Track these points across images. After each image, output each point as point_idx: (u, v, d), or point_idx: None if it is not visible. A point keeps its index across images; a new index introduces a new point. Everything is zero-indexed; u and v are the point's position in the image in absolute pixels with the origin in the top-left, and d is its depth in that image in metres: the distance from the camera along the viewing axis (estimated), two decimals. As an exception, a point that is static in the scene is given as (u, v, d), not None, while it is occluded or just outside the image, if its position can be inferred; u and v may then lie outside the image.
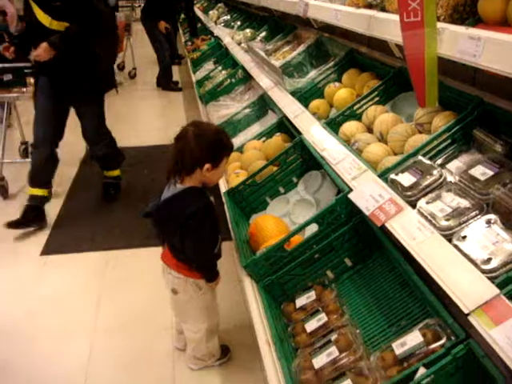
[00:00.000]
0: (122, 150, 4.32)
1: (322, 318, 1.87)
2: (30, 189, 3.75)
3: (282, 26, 5.03)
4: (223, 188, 2.96)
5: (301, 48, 4.11)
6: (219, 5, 8.64)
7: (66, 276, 3.19)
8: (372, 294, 1.99)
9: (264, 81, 3.83)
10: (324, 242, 2.10)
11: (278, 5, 4.24)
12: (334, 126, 2.63)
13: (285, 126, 3.34)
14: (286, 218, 2.59)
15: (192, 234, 2.03)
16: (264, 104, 4.18)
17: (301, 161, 2.78)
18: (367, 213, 1.80)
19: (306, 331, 1.88)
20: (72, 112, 3.94)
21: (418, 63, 1.84)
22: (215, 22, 7.67)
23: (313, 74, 3.56)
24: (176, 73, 8.62)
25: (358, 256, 2.13)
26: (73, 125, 4.56)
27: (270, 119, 3.90)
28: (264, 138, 3.44)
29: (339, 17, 2.64)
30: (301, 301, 2.04)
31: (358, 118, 2.65)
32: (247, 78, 4.95)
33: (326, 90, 3.19)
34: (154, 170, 4.29)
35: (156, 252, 2.32)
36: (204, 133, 2.01)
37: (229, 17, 7.54)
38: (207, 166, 1.99)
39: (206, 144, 1.99)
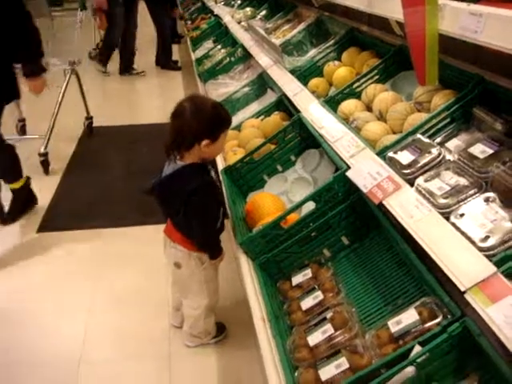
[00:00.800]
0: (122, 128, 4.28)
1: (317, 296, 1.86)
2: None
3: (282, 5, 4.97)
4: (220, 165, 2.94)
5: (301, 26, 4.07)
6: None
7: (62, 253, 3.18)
8: (368, 273, 1.98)
9: (263, 59, 3.79)
10: (321, 220, 2.08)
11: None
12: (332, 104, 2.61)
13: (283, 105, 3.30)
14: (284, 197, 2.58)
15: (194, 211, 2.02)
16: (263, 83, 4.14)
17: (299, 139, 2.75)
18: (365, 190, 1.79)
19: (301, 309, 1.88)
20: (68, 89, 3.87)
21: (418, 40, 1.81)
22: (215, 1, 7.57)
23: (312, 52, 3.53)
24: (176, 52, 8.53)
25: (355, 234, 2.11)
26: (70, 101, 4.55)
27: (269, 98, 3.87)
28: (262, 117, 3.41)
29: (340, -6, 2.61)
30: (297, 279, 2.02)
31: (358, 96, 2.62)
32: (246, 56, 4.90)
33: (326, 69, 3.15)
34: (153, 147, 4.15)
35: (154, 230, 2.33)
36: (201, 108, 1.98)
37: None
38: (206, 141, 1.96)
39: (204, 119, 1.96)
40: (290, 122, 2.73)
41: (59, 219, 3.51)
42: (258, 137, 3.00)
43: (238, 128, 3.39)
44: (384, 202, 1.69)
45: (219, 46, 5.64)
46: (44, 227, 3.43)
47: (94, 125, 5.05)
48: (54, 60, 4.29)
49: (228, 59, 4.99)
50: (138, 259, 3.09)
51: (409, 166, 1.77)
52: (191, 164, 2.02)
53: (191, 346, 2.48)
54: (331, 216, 2.08)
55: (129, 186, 3.86)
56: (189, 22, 8.09)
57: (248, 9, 5.59)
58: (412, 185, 1.70)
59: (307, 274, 2.01)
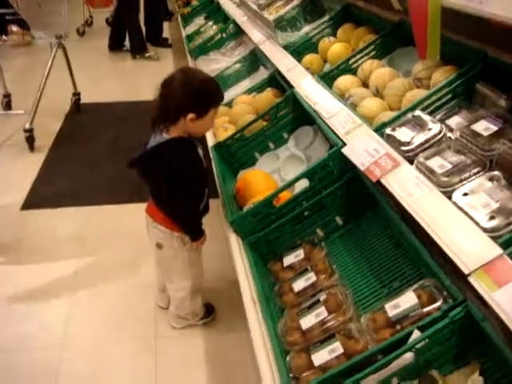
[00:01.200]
0: (110, 104, 4.15)
1: (310, 278, 1.79)
2: None
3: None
4: (210, 142, 2.84)
5: (294, 2, 3.94)
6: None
7: (46, 231, 3.08)
8: (363, 254, 1.91)
9: (256, 35, 3.68)
10: (314, 198, 2.00)
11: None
12: (327, 80, 2.52)
13: (276, 81, 3.20)
14: (276, 175, 2.49)
15: (176, 188, 1.92)
16: (255, 59, 4.03)
17: (292, 116, 2.66)
18: (362, 168, 1.71)
19: (293, 291, 1.80)
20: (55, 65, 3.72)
21: (420, 12, 1.74)
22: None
23: (307, 29, 3.42)
24: (166, 30, 8.35)
25: (350, 214, 2.04)
26: (57, 77, 4.41)
27: (261, 75, 3.76)
28: (254, 93, 3.31)
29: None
30: (289, 259, 1.95)
31: (353, 72, 2.54)
32: (238, 32, 4.78)
33: (320, 45, 3.06)
34: (142, 125, 4.03)
35: (140, 208, 2.22)
36: (191, 80, 1.87)
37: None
38: (191, 115, 1.85)
39: (191, 91, 1.85)
40: (282, 98, 2.64)
41: (43, 197, 3.40)
42: (249, 113, 2.91)
43: (229, 104, 3.29)
44: (382, 180, 1.62)
45: (211, 23, 5.50)
46: (28, 205, 3.32)
47: (82, 101, 4.91)
48: (40, 33, 4.14)
49: (220, 35, 4.86)
50: (124, 238, 3.00)
51: (408, 143, 1.69)
52: (177, 138, 1.91)
53: (178, 327, 2.40)
54: (325, 195, 2.00)
55: (116, 163, 3.74)
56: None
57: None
58: (411, 162, 1.62)
59: (299, 254, 1.93)
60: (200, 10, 6.30)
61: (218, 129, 2.94)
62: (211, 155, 2.67)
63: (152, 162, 1.97)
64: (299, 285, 1.79)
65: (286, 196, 2.08)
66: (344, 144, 1.91)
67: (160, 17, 7.89)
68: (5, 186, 3.56)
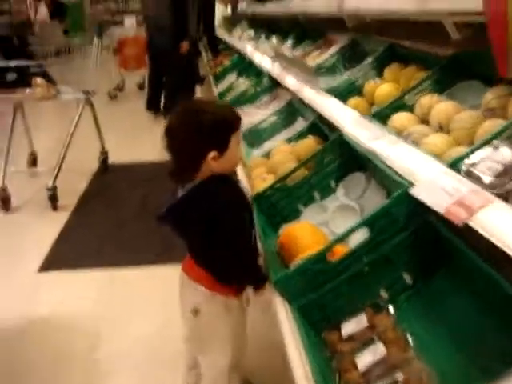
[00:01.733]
0: (141, 165, 3.92)
1: (378, 350, 1.41)
2: None
3: (309, 34, 4.65)
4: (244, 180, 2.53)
5: (333, 49, 3.72)
6: (242, 22, 8.35)
7: (64, 295, 2.77)
8: (440, 322, 1.53)
9: (293, 83, 3.42)
10: (376, 252, 1.64)
11: (309, 7, 3.88)
12: (379, 120, 2.22)
13: (317, 129, 2.92)
14: (324, 228, 2.15)
15: (226, 232, 1.60)
16: (293, 111, 3.78)
17: (339, 162, 2.34)
18: (441, 210, 1.36)
19: (356, 367, 1.42)
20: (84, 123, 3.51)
21: (499, 24, 1.46)
22: (239, 39, 7.36)
23: (348, 74, 3.16)
24: (198, 93, 8.28)
25: (420, 271, 1.66)
26: (85, 135, 4.24)
27: (300, 127, 3.48)
28: (294, 143, 3.02)
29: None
30: (348, 327, 1.58)
31: (408, 110, 2.23)
32: (273, 86, 4.57)
33: (366, 88, 2.78)
34: (171, 185, 3.82)
35: (169, 271, 1.89)
36: (197, 115, 1.58)
37: (252, 32, 7.21)
38: (212, 154, 1.55)
39: (203, 130, 1.55)
40: (328, 142, 2.34)
41: (64, 258, 3.11)
42: (290, 161, 2.60)
43: (267, 156, 3.01)
44: (470, 222, 1.26)
45: (243, 79, 5.33)
46: (46, 267, 3.03)
47: (111, 161, 4.71)
48: (67, 88, 3.98)
49: (253, 89, 4.66)
50: (152, 304, 2.65)
51: (498, 176, 1.35)
52: (211, 176, 1.60)
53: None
54: (389, 247, 1.64)
55: (144, 222, 3.45)
56: (211, 61, 7.88)
57: (274, 40, 5.30)
58: (506, 199, 1.28)
59: (361, 321, 1.56)
60: (231, 68, 6.18)
61: (255, 179, 2.64)
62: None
63: (186, 210, 1.63)
64: (365, 359, 1.42)
65: (340, 251, 1.74)
66: (411, 184, 1.58)
67: (193, 80, 7.82)
68: (22, 246, 3.29)
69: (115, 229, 3.43)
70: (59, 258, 3.12)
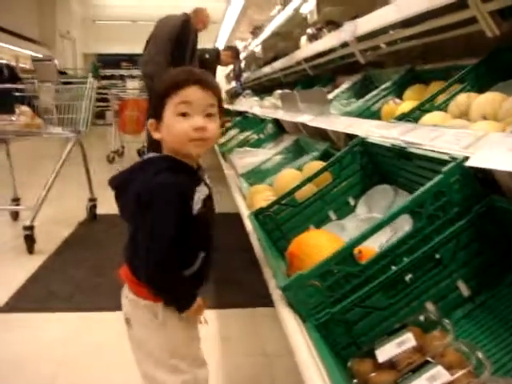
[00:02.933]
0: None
1: (439, 376, 0.96)
2: None
3: (317, 82, 4.40)
4: (244, 210, 2.11)
5: (344, 85, 3.45)
6: (246, 92, 8.22)
7: (27, 336, 2.28)
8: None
9: (303, 117, 3.08)
10: (422, 249, 1.21)
11: (318, 46, 3.64)
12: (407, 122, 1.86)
13: (330, 157, 2.54)
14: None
15: (150, 216, 1.24)
16: (299, 149, 3.42)
17: (361, 173, 1.95)
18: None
19: (405, 401, 0.97)
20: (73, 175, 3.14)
21: None
22: (241, 105, 7.17)
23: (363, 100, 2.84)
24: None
25: (483, 275, 1.23)
26: (74, 187, 3.87)
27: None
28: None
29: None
30: (386, 351, 1.12)
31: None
32: (278, 133, 4.25)
33: (385, 108, 2.48)
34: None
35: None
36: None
37: (256, 98, 7.00)
38: (150, 121, 1.33)
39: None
40: (347, 149, 1.94)
41: (31, 299, 2.65)
42: (299, 179, 2.20)
43: (271, 185, 2.62)
44: None
45: (245, 132, 5.02)
46: (9, 308, 2.56)
47: (101, 212, 4.28)
48: (57, 129, 3.64)
49: (256, 136, 4.32)
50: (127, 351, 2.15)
51: None
52: (164, 155, 1.33)
53: None
54: (440, 242, 1.21)
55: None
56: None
57: (279, 91, 5.06)
58: None
59: (406, 341, 1.11)
60: (233, 126, 5.88)
61: (258, 202, 2.23)
62: (248, 228, 1.94)
63: (127, 184, 1.31)
64: (419, 389, 0.96)
65: (368, 252, 1.31)
66: (466, 158, 1.17)
67: None
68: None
69: (93, 276, 2.97)
70: (26, 299, 2.65)
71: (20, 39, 13.85)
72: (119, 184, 1.36)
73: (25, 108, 3.42)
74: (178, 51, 5.14)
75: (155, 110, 1.30)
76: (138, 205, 1.25)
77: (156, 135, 1.32)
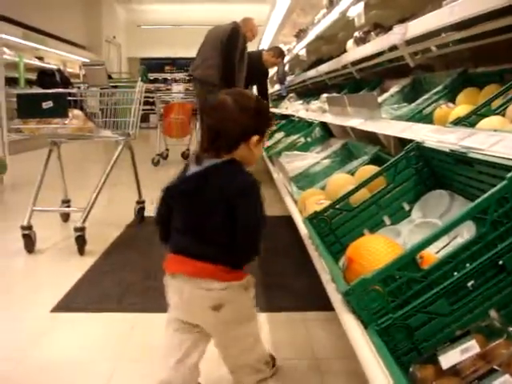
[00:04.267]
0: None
1: None
2: None
3: (364, 84, 4.38)
4: (297, 216, 2.12)
5: (394, 89, 3.42)
6: (290, 95, 8.22)
7: (77, 339, 2.34)
8: None
9: (353, 121, 3.08)
10: (486, 256, 1.20)
11: (366, 49, 3.63)
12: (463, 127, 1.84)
13: (380, 162, 2.53)
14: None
15: (245, 209, 1.55)
16: (348, 153, 3.42)
17: (416, 178, 1.94)
18: None
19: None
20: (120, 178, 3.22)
21: None
22: (286, 108, 7.17)
23: (414, 105, 2.82)
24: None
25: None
26: (122, 189, 3.92)
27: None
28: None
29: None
30: (450, 357, 1.12)
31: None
32: (325, 136, 4.25)
33: (437, 113, 2.43)
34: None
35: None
36: (246, 100, 1.62)
37: (301, 101, 6.99)
38: (255, 137, 1.60)
39: (252, 113, 1.60)
40: (402, 153, 1.94)
41: (81, 300, 2.71)
42: (351, 185, 2.20)
43: (323, 188, 2.63)
44: None
45: (292, 135, 5.03)
46: (61, 307, 2.63)
47: (148, 214, 4.35)
48: (107, 132, 3.73)
49: (303, 140, 4.33)
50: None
51: None
52: (234, 160, 1.60)
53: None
54: (503, 249, 1.20)
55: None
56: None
57: (325, 95, 5.05)
58: None
59: (471, 348, 1.10)
60: (278, 130, 5.89)
61: (310, 205, 2.24)
62: (302, 232, 1.95)
63: (202, 186, 1.59)
64: (485, 397, 0.96)
65: (430, 259, 1.30)
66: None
67: None
68: (40, 287, 2.92)
69: (142, 278, 3.02)
70: (77, 300, 2.71)
71: (68, 45, 14.22)
72: (192, 187, 1.60)
73: (77, 112, 3.51)
74: (227, 54, 5.32)
75: (262, 131, 1.64)
76: (224, 197, 1.54)
77: (248, 150, 1.61)
